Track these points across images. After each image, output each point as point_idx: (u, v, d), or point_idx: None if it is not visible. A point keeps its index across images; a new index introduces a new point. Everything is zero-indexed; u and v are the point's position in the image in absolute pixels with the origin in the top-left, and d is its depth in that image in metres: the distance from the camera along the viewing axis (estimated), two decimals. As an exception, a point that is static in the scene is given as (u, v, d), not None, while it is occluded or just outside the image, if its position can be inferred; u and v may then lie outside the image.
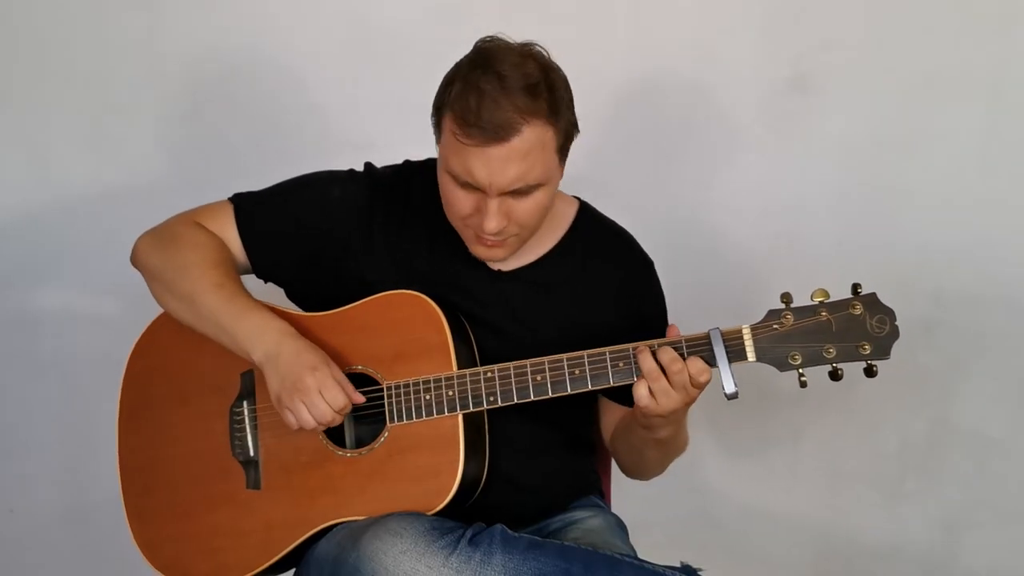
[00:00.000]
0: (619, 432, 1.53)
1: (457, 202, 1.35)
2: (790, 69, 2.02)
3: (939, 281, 2.05)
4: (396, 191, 1.49)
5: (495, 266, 1.46)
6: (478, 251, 1.41)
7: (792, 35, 2.02)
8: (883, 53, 2.00)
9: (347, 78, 2.03)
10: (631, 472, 1.58)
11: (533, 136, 1.29)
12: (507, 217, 1.34)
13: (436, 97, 1.36)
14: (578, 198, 1.54)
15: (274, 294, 1.52)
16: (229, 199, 1.51)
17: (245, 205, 1.50)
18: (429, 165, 1.50)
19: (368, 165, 1.53)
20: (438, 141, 1.37)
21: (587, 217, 1.53)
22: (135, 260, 1.51)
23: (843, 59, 2.01)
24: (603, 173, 2.04)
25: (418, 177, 1.50)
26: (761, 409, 2.13)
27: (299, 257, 1.48)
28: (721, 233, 2.09)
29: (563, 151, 1.36)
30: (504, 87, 1.27)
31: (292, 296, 1.54)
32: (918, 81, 2.00)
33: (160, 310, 1.50)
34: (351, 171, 1.52)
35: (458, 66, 1.35)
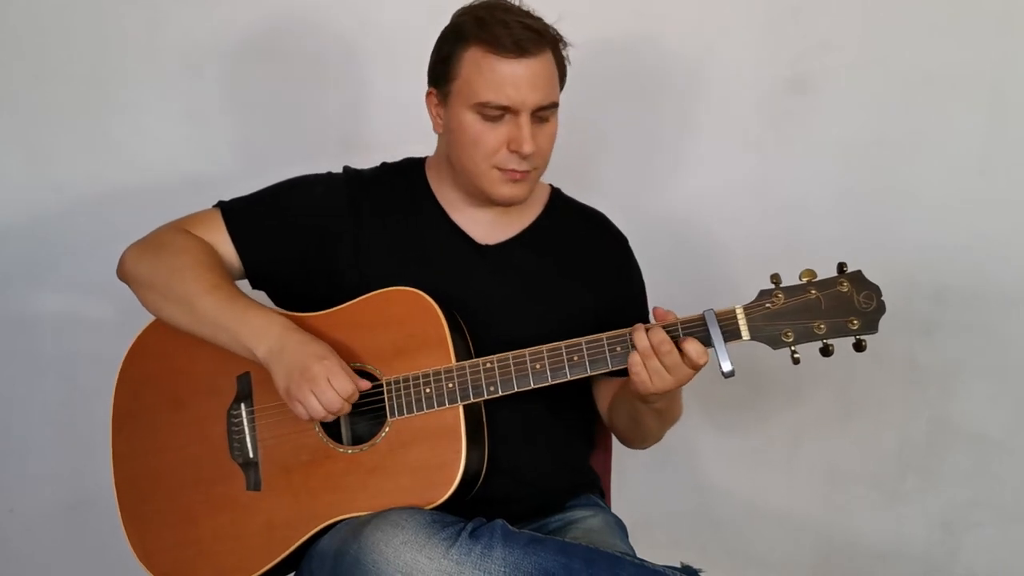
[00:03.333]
0: (616, 403, 1.56)
1: (485, 138, 1.41)
2: (790, 69, 2.02)
3: (939, 281, 2.05)
4: (380, 187, 1.53)
5: (481, 240, 1.50)
6: (504, 192, 1.45)
7: (792, 35, 2.02)
8: (883, 53, 2.00)
9: (347, 78, 2.03)
10: (629, 442, 1.61)
11: (549, 58, 1.42)
12: (535, 142, 1.40)
13: (441, 51, 1.44)
14: (550, 184, 1.61)
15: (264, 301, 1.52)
16: (215, 206, 1.53)
17: (233, 210, 1.52)
18: (405, 163, 1.58)
19: (347, 167, 1.57)
20: (447, 90, 1.43)
21: (560, 199, 1.60)
22: (123, 271, 1.51)
23: (843, 59, 2.01)
24: (602, 173, 2.05)
25: (398, 173, 1.56)
26: (761, 409, 2.13)
27: (291, 256, 1.49)
28: (721, 233, 2.09)
29: (560, 85, 1.46)
30: (518, 16, 1.40)
31: (282, 302, 1.55)
32: (918, 81, 2.00)
33: (144, 317, 1.50)
34: (330, 173, 1.55)
35: (452, 25, 1.45)
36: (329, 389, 1.34)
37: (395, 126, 1.98)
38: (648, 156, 2.08)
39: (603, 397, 1.59)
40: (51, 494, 2.13)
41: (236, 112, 2.04)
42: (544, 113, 1.42)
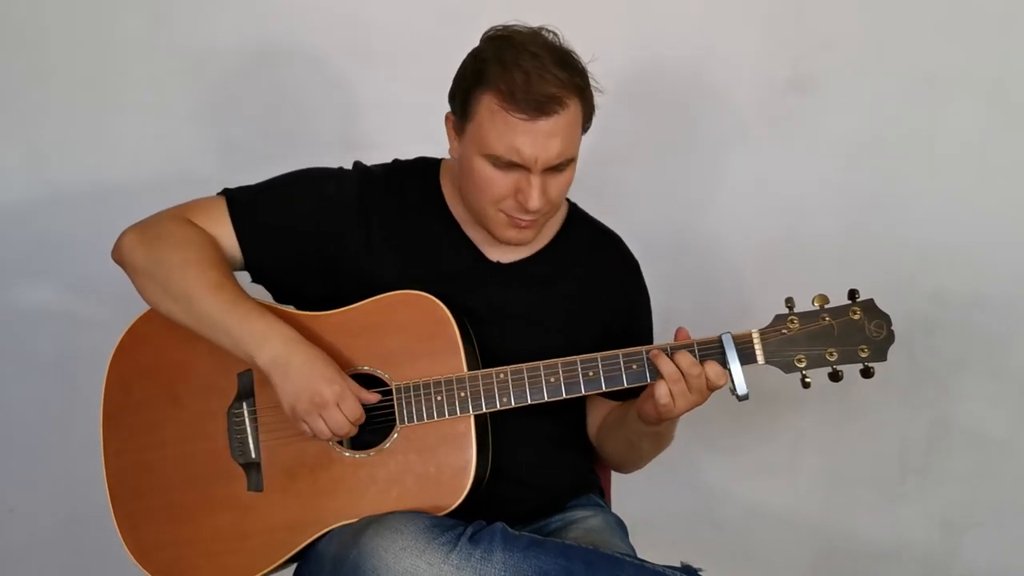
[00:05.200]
0: (609, 427, 1.55)
1: (493, 186, 1.36)
2: (790, 69, 2.02)
3: (939, 281, 2.05)
4: (391, 189, 1.49)
5: (495, 258, 1.48)
6: (509, 235, 1.42)
7: (792, 35, 2.02)
8: (883, 53, 2.00)
9: (347, 78, 2.03)
10: (619, 466, 1.61)
11: (573, 110, 1.34)
12: (545, 194, 1.36)
13: (462, 83, 1.38)
14: (567, 199, 1.56)
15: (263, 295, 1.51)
16: (219, 194, 1.49)
17: (239, 199, 1.47)
18: (420, 164, 1.53)
19: (358, 163, 1.53)
20: (462, 127, 1.38)
21: (578, 217, 1.57)
22: (120, 255, 1.45)
23: (843, 59, 2.01)
24: (603, 174, 2.04)
25: (411, 175, 1.51)
26: (761, 409, 2.13)
27: (295, 252, 1.46)
28: (721, 233, 2.09)
29: (584, 129, 1.40)
30: (544, 64, 1.31)
31: (280, 297, 1.51)
32: (918, 81, 2.00)
33: (144, 308, 1.47)
34: (341, 168, 1.51)
35: (479, 53, 1.38)
36: (338, 413, 1.32)
37: (396, 127, 1.99)
38: (647, 156, 2.08)
39: (594, 418, 1.58)
40: (52, 494, 2.12)
41: (236, 112, 2.04)
42: (561, 166, 1.36)
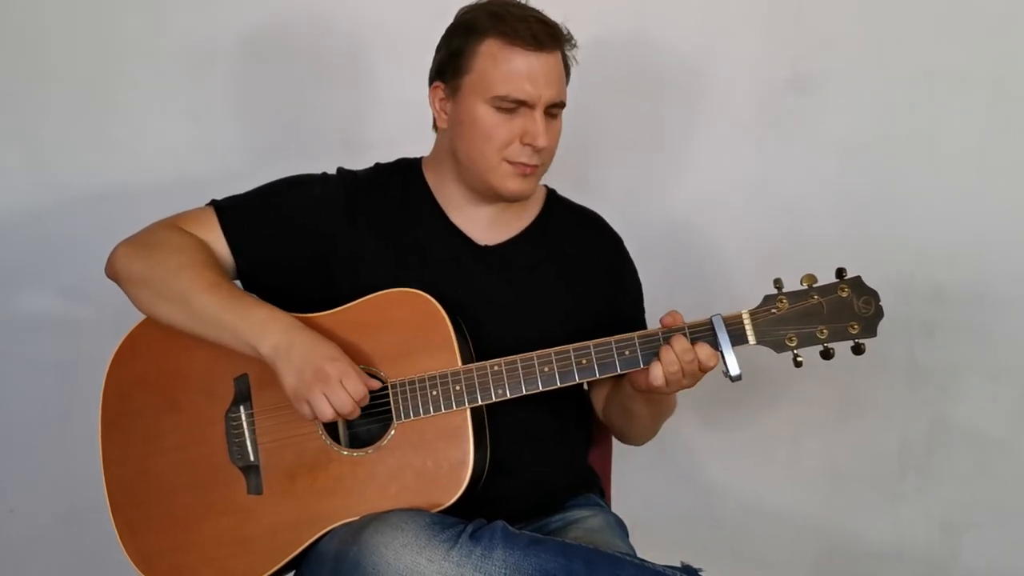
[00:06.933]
0: (610, 400, 1.57)
1: (499, 131, 1.41)
2: (790, 69, 2.02)
3: (939, 281, 2.05)
4: (376, 187, 1.52)
5: (480, 241, 1.50)
6: (513, 186, 1.45)
7: (792, 35, 2.02)
8: (883, 53, 2.00)
9: (348, 78, 2.03)
10: (627, 437, 1.62)
11: (560, 57, 1.44)
12: (547, 135, 1.42)
13: (452, 46, 1.44)
14: (545, 184, 1.60)
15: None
16: (208, 204, 1.51)
17: (228, 207, 1.49)
18: (401, 163, 1.57)
19: (341, 168, 1.55)
20: (458, 85, 1.43)
21: (556, 199, 1.61)
22: (113, 269, 1.47)
23: (843, 59, 2.01)
24: (603, 172, 2.05)
25: (394, 173, 1.54)
26: (762, 409, 2.13)
27: (287, 255, 1.48)
28: (721, 233, 2.09)
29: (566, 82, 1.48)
30: (532, 14, 1.42)
31: (273, 303, 1.48)
32: (918, 81, 2.00)
33: (140, 318, 1.48)
34: (325, 173, 1.54)
35: (461, 22, 1.45)
36: (342, 391, 1.32)
37: (396, 126, 1.98)
38: (648, 156, 2.08)
39: (599, 396, 1.59)
40: (51, 494, 2.12)
41: (236, 112, 2.04)
42: (554, 110, 1.43)
